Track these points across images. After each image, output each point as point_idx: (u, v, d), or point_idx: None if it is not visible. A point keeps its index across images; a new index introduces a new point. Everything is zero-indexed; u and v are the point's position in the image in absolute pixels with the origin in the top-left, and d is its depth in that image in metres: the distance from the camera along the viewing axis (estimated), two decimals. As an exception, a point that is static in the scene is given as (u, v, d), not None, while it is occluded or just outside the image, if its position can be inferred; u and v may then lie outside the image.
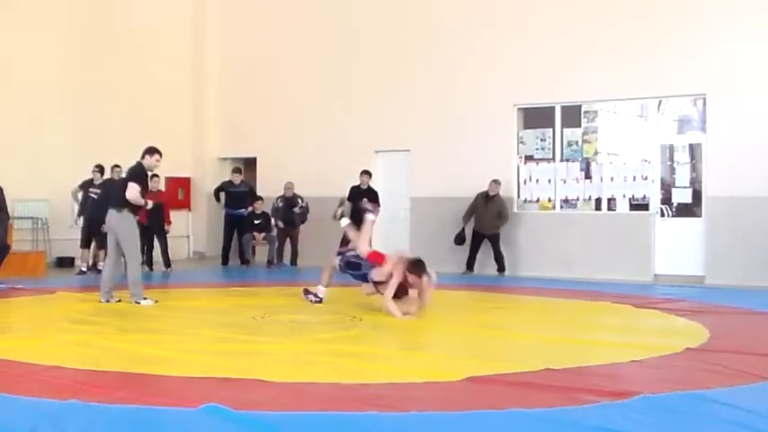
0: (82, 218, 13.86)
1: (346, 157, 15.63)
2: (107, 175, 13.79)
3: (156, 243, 14.52)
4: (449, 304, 9.56)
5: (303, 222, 15.45)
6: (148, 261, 14.58)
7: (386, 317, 8.41)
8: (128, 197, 9.47)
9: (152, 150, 9.77)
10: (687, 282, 12.44)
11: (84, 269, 13.71)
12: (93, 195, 13.69)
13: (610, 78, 13.38)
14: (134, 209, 9.63)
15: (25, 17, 14.94)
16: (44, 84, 15.08)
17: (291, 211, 15.38)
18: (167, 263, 14.43)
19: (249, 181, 16.39)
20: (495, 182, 13.83)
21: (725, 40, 12.59)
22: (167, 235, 14.66)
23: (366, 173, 14.77)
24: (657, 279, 13.00)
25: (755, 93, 12.39)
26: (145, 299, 9.51)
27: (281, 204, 15.47)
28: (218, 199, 16.00)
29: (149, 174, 10.04)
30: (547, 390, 5.12)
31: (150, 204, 10.07)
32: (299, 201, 15.46)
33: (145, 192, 9.73)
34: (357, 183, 14.75)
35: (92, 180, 13.82)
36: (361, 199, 14.65)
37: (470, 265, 13.97)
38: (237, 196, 15.60)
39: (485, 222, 13.87)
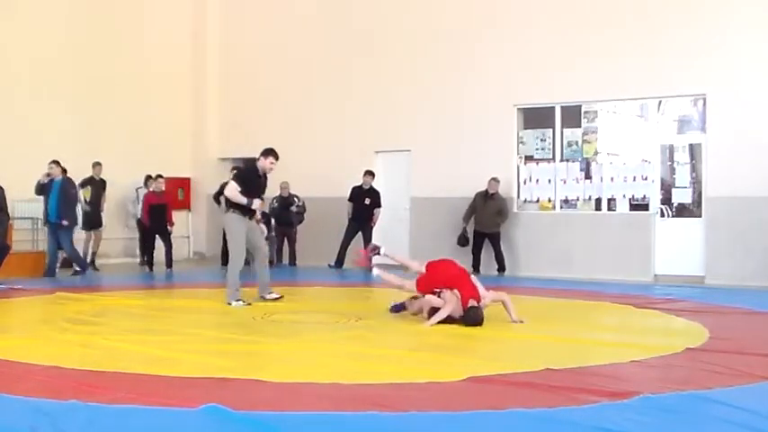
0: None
1: (346, 157, 15.63)
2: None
3: (159, 243, 14.48)
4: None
5: (300, 222, 15.39)
6: (149, 261, 14.59)
7: (385, 317, 8.43)
8: (225, 195, 9.52)
9: (267, 152, 9.54)
10: (687, 282, 12.43)
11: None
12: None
13: (610, 78, 13.37)
14: (242, 210, 9.43)
15: (25, 18, 14.95)
16: (44, 84, 15.09)
17: (288, 211, 15.32)
18: (169, 263, 14.41)
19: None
20: (495, 180, 13.83)
21: (725, 40, 12.58)
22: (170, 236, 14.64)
23: (369, 173, 14.75)
24: (657, 279, 12.99)
25: (755, 93, 12.38)
26: (238, 300, 9.32)
27: (276, 204, 15.41)
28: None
29: (262, 175, 9.66)
30: (547, 390, 5.11)
31: (256, 204, 9.51)
32: (296, 200, 15.40)
33: (257, 192, 9.50)
34: (359, 183, 14.74)
35: (92, 178, 13.84)
36: (364, 199, 14.67)
37: (476, 266, 13.93)
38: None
39: (485, 221, 13.86)
